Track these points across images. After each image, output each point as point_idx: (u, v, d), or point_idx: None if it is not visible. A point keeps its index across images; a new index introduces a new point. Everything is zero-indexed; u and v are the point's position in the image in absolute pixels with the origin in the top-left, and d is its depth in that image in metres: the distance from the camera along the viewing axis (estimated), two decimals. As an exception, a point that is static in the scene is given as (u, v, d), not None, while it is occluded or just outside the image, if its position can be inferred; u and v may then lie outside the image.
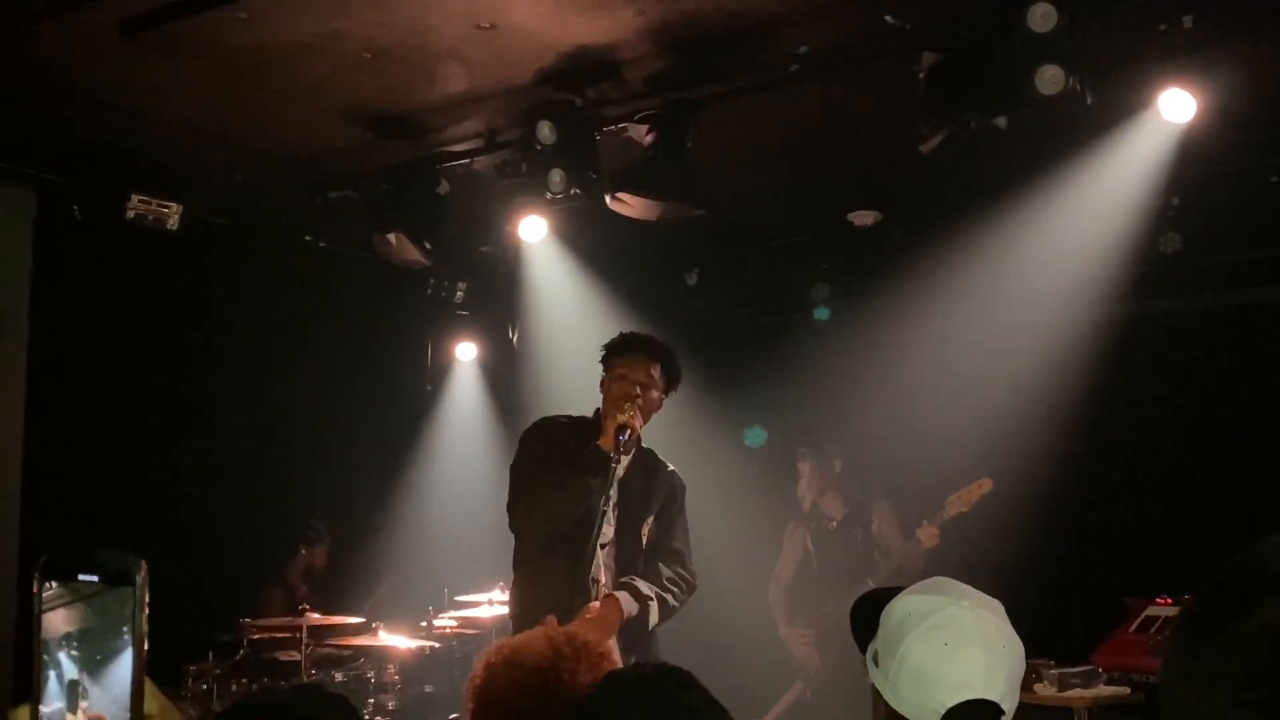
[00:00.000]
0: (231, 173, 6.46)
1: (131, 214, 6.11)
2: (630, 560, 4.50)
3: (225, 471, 7.03)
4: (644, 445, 4.63)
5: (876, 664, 2.06)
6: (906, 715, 1.97)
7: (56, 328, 6.51)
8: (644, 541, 4.53)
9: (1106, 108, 4.85)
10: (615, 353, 4.53)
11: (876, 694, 2.03)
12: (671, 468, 4.68)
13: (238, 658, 5.93)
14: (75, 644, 1.19)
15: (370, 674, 6.04)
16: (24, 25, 4.70)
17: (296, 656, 5.92)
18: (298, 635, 5.92)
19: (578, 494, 4.27)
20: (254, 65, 5.24)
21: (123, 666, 1.18)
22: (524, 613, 4.51)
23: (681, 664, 2.06)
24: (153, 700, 1.22)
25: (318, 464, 7.65)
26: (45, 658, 1.19)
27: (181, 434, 6.87)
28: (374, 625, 6.08)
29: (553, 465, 4.36)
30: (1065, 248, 6.23)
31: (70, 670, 1.19)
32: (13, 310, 6.57)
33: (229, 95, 5.55)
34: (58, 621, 1.19)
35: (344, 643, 6.14)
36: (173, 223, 6.24)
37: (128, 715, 1.19)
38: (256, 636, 5.98)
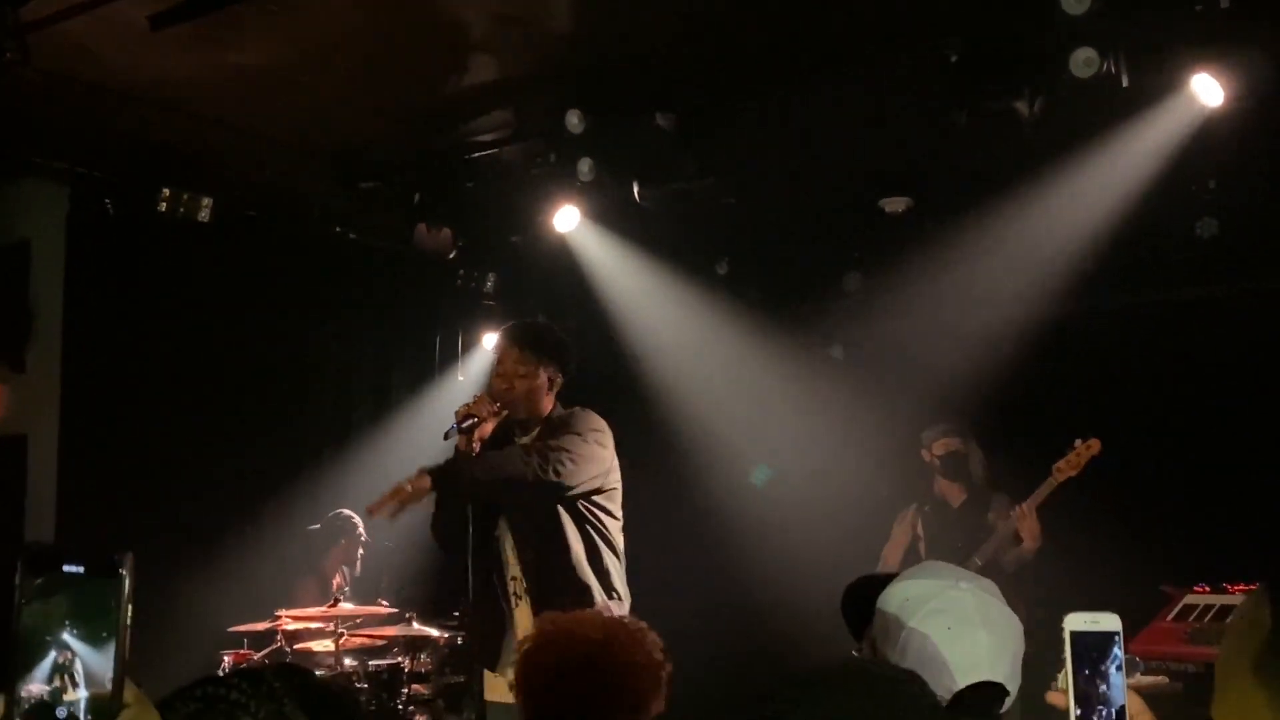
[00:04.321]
0: (262, 165, 6.48)
1: (163, 207, 6.15)
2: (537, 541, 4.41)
3: (256, 462, 7.06)
4: (569, 409, 4.50)
5: (875, 651, 2.04)
6: None
7: (90, 320, 6.54)
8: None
9: (1140, 90, 4.78)
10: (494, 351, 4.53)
11: None
12: (574, 409, 4.51)
13: (272, 647, 5.97)
14: (62, 632, 1.20)
15: (403, 663, 6.06)
16: (55, 19, 4.72)
17: (330, 646, 5.94)
18: (332, 625, 5.95)
19: (450, 494, 4.31)
20: (284, 58, 5.25)
21: (106, 656, 1.20)
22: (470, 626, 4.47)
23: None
24: (129, 691, 1.23)
25: (348, 455, 7.66)
26: (32, 643, 1.20)
27: (213, 425, 6.90)
28: (407, 615, 6.10)
29: None
30: (1099, 233, 6.17)
31: (60, 656, 1.20)
32: (46, 303, 6.62)
33: (259, 88, 5.56)
34: (42, 610, 1.20)
35: (377, 633, 6.16)
36: (204, 215, 6.27)
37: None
38: (291, 626, 6.01)
